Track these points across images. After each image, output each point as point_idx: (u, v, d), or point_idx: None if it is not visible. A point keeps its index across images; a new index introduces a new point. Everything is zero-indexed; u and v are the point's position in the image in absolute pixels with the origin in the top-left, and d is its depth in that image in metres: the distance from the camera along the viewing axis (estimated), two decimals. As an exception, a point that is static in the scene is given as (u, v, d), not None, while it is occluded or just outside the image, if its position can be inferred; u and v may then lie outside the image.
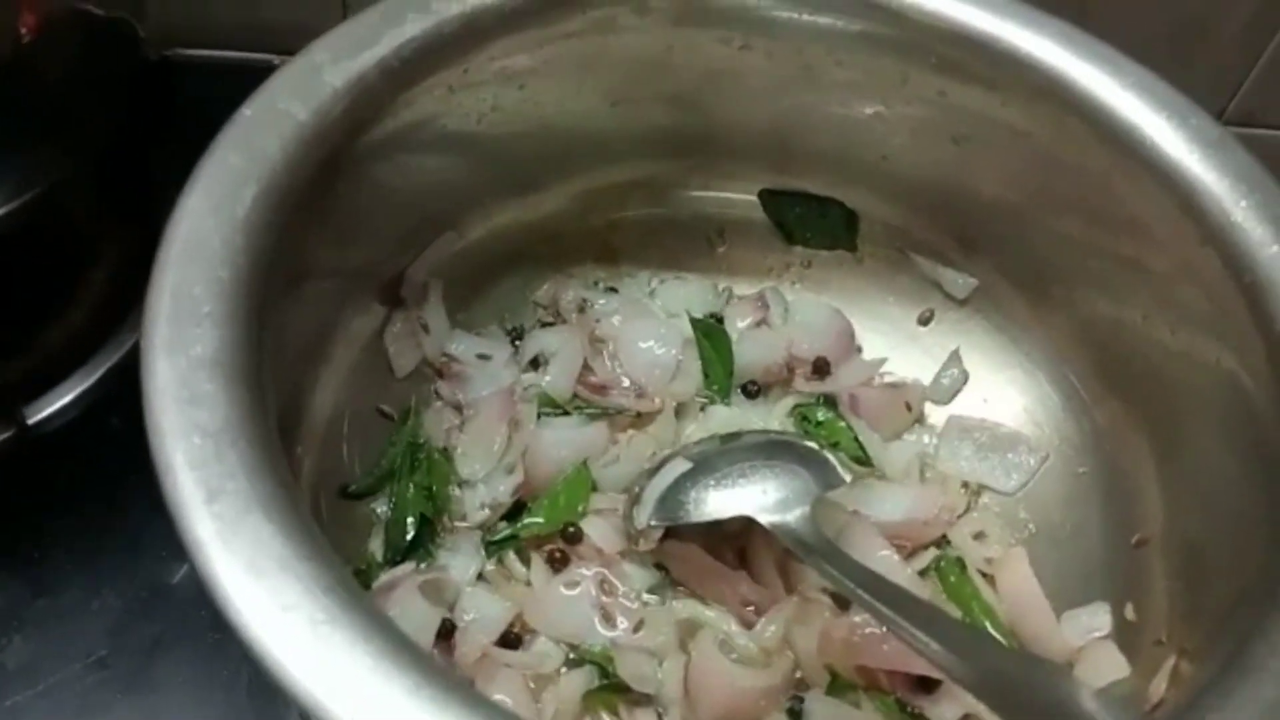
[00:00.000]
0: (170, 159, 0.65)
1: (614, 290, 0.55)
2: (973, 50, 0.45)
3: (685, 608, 0.46)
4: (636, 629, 0.44)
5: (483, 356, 0.51)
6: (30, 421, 0.56)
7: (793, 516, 0.44)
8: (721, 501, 0.45)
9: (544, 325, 0.54)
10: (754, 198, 0.55)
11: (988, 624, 0.47)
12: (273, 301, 0.36)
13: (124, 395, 0.58)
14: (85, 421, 0.57)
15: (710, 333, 0.53)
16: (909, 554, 0.49)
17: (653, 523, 0.45)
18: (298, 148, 0.38)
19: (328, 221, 0.42)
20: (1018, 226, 0.50)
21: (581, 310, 0.53)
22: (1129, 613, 0.45)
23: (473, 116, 0.47)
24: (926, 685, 0.45)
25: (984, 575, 0.49)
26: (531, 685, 0.44)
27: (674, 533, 0.47)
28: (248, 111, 0.38)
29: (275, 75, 0.39)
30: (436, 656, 0.43)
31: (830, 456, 0.47)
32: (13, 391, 0.57)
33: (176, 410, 0.31)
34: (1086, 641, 0.45)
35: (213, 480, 0.30)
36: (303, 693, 0.27)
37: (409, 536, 0.46)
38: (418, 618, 0.42)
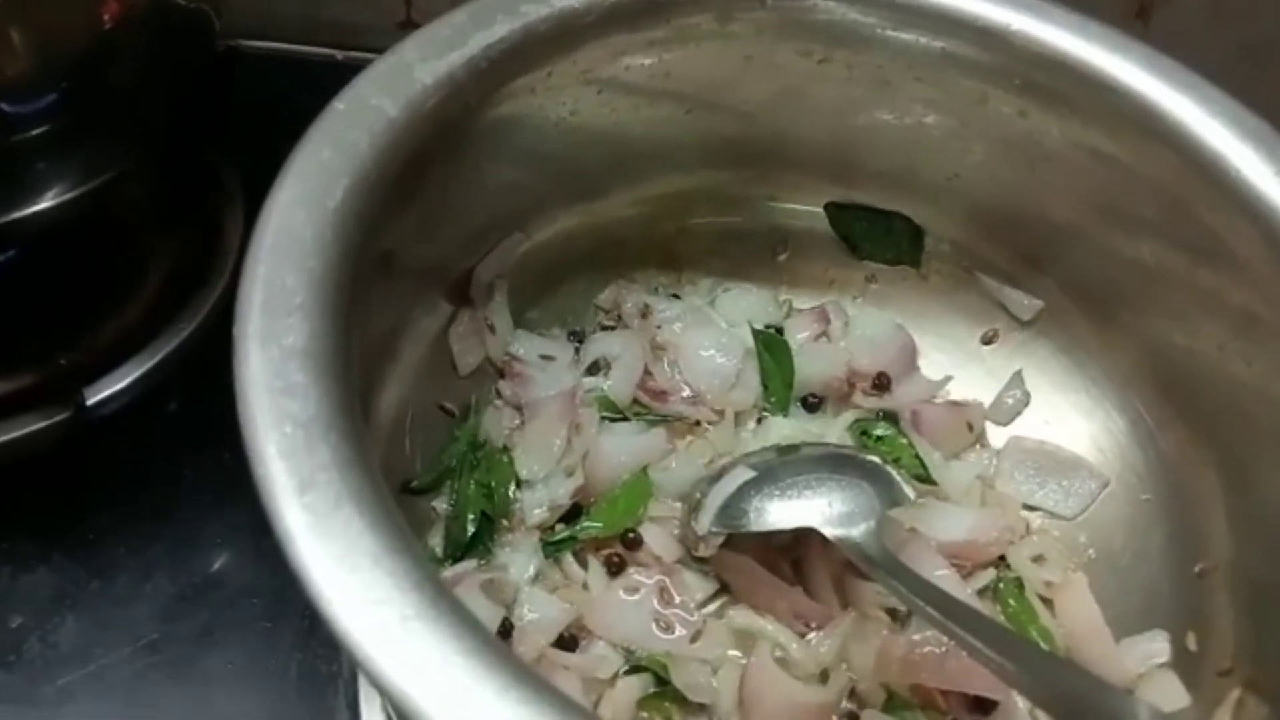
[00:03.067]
0: (229, 150, 0.67)
1: (676, 297, 0.55)
2: (1057, 72, 0.44)
3: (742, 618, 0.45)
4: (694, 639, 0.44)
5: (545, 357, 0.52)
6: (89, 403, 0.57)
7: (858, 531, 0.44)
8: (785, 512, 0.45)
9: (605, 329, 0.54)
10: (819, 209, 0.55)
11: (1045, 646, 0.47)
12: (359, 295, 0.36)
13: (180, 382, 0.59)
14: (142, 407, 0.58)
15: (771, 344, 0.53)
16: (967, 574, 0.48)
17: (714, 529, 0.45)
18: (387, 143, 0.38)
19: (409, 218, 0.42)
20: (1088, 249, 0.49)
21: (644, 315, 0.54)
22: (1190, 643, 0.44)
23: (551, 120, 0.47)
24: (983, 707, 0.44)
25: (1042, 599, 0.48)
26: (586, 688, 0.44)
27: (729, 543, 0.47)
28: (340, 105, 0.38)
29: (366, 71, 0.40)
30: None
31: (894, 473, 0.47)
32: (74, 373, 0.57)
33: (269, 400, 0.31)
34: (1146, 669, 0.45)
35: (304, 471, 0.30)
36: (392, 687, 0.27)
37: (469, 534, 0.46)
38: (480, 614, 0.42)
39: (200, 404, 0.59)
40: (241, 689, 0.50)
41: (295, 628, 0.51)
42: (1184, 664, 0.44)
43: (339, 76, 0.40)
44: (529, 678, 0.28)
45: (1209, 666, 0.43)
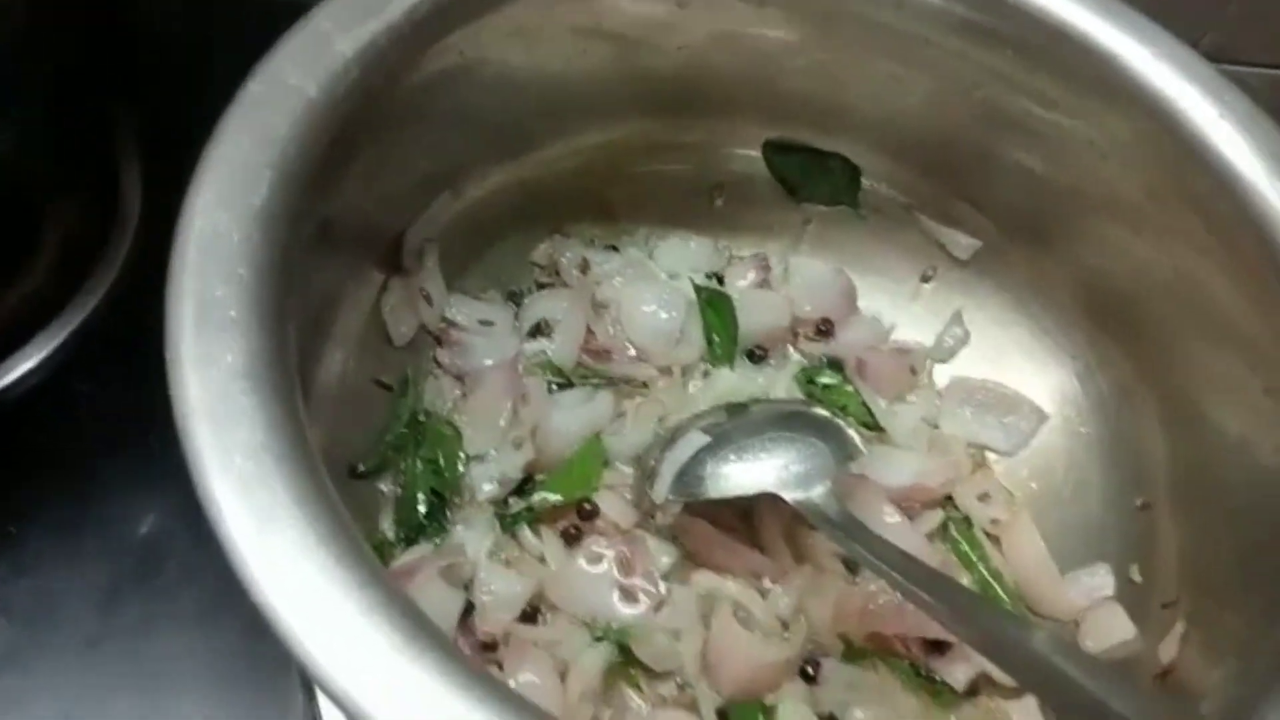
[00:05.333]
0: (122, 96, 0.62)
1: (614, 249, 0.54)
2: (1001, 14, 0.43)
3: (705, 581, 0.45)
4: (657, 609, 0.44)
5: (484, 322, 0.50)
6: (-5, 387, 0.53)
7: (816, 493, 0.44)
8: (743, 476, 0.45)
9: (542, 287, 0.53)
10: (754, 153, 0.54)
11: (997, 586, 0.48)
12: (294, 286, 0.34)
13: (91, 359, 0.56)
14: (52, 388, 0.55)
15: (714, 300, 0.52)
16: (916, 516, 0.49)
17: (671, 498, 0.45)
18: (311, 125, 0.36)
19: (335, 197, 0.39)
20: (1028, 188, 0.49)
21: (583, 271, 0.52)
22: (1135, 574, 0.46)
23: (478, 77, 0.44)
24: (939, 648, 0.46)
25: (989, 536, 0.49)
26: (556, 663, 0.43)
27: (683, 507, 0.46)
28: (255, 88, 0.35)
29: (279, 47, 0.36)
30: (459, 638, 0.43)
31: (845, 427, 0.47)
32: (-31, 356, 0.54)
33: (214, 431, 0.29)
34: (1091, 602, 0.47)
35: (262, 510, 0.28)
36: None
37: (422, 513, 0.45)
38: (441, 603, 0.42)
39: (115, 380, 0.55)
40: (190, 678, 0.48)
41: (240, 609, 0.49)
42: (1129, 596, 0.46)
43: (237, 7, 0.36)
44: (520, 707, 0.27)
45: (1154, 598, 0.44)
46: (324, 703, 0.47)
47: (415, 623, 0.28)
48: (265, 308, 0.32)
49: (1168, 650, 0.42)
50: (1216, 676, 0.39)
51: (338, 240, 0.43)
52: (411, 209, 0.48)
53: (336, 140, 0.37)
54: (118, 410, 0.54)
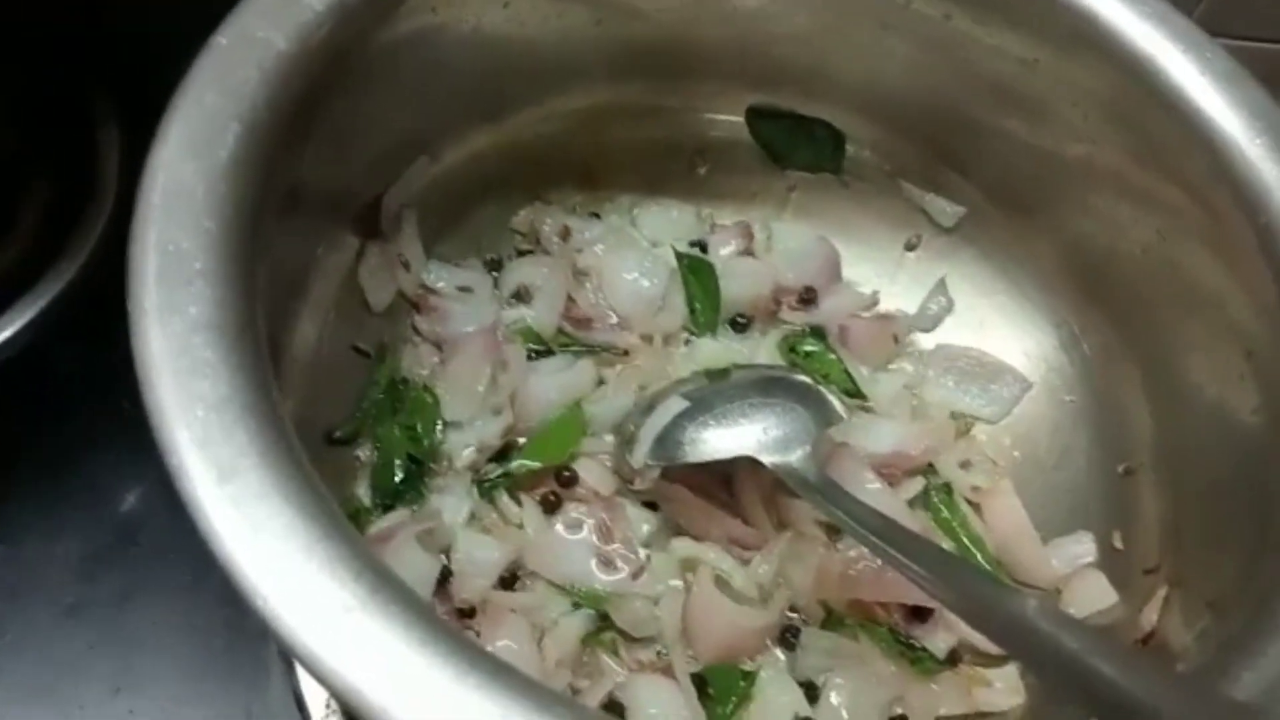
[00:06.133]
0: (98, 66, 0.62)
1: (595, 216, 0.53)
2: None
3: (684, 547, 0.45)
4: (636, 576, 0.44)
5: (463, 289, 0.49)
6: (-30, 357, 0.53)
7: (795, 457, 0.43)
8: (722, 441, 0.44)
9: (522, 254, 0.52)
10: (737, 119, 0.53)
11: (977, 554, 0.48)
12: (261, 246, 0.34)
13: (69, 327, 0.56)
14: (31, 357, 0.54)
15: (696, 267, 0.52)
16: (897, 483, 0.49)
17: (650, 462, 0.45)
18: (278, 79, 0.35)
19: (306, 154, 0.39)
20: (1012, 154, 0.49)
21: (564, 238, 0.52)
22: (1117, 541, 0.46)
23: (453, 37, 0.44)
24: (920, 615, 0.45)
25: (970, 504, 0.49)
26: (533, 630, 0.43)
27: (663, 473, 0.46)
28: (222, 40, 0.35)
29: (248, 1, 0.36)
30: (436, 604, 0.42)
31: (826, 393, 0.46)
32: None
33: (176, 382, 0.29)
34: (1073, 569, 0.46)
35: (223, 459, 0.28)
36: (341, 683, 0.26)
37: (398, 480, 0.45)
38: (418, 568, 0.41)
39: (93, 349, 0.54)
40: (168, 648, 0.48)
41: (219, 580, 0.49)
42: (1111, 563, 0.45)
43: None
44: (484, 660, 0.27)
45: (1136, 565, 0.44)
46: (302, 673, 0.47)
47: (379, 577, 0.28)
48: (231, 262, 0.32)
49: (1149, 616, 0.42)
50: (1194, 639, 0.39)
51: (312, 202, 0.42)
52: (388, 173, 0.47)
53: (306, 96, 0.36)
54: (96, 381, 0.54)
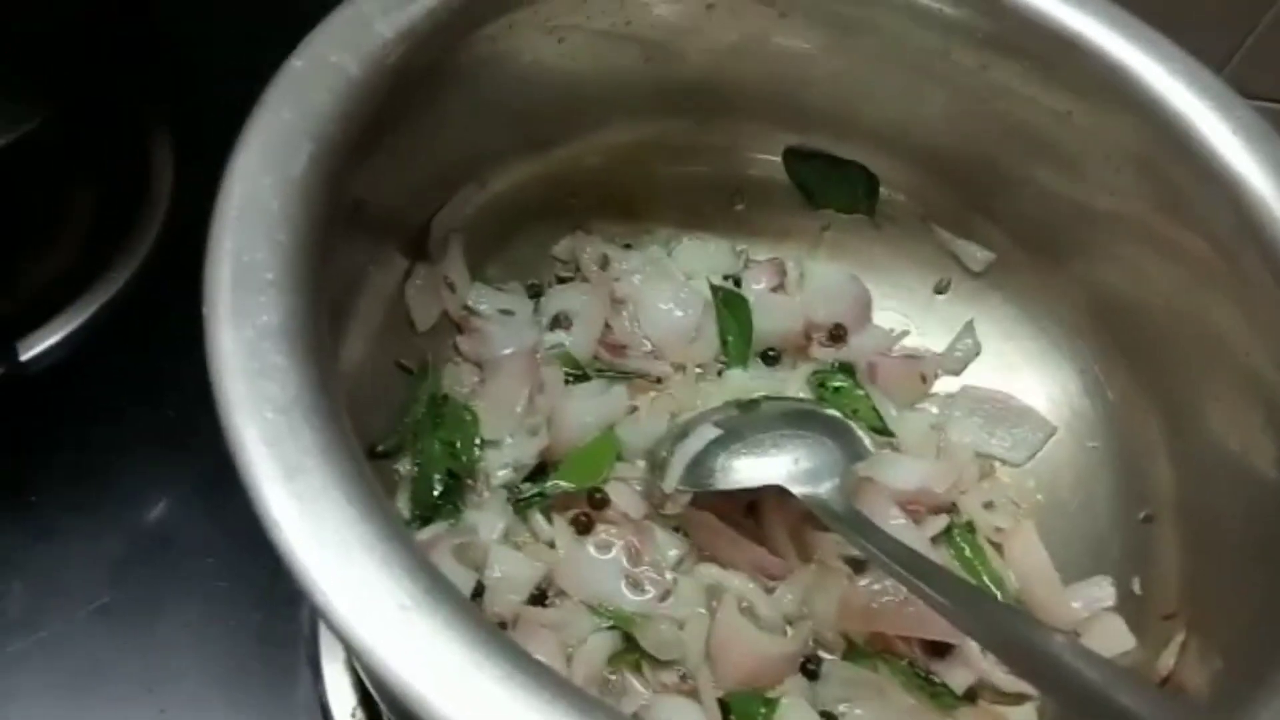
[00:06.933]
0: (153, 86, 0.64)
1: (633, 247, 0.55)
2: (1019, 27, 0.44)
3: (710, 573, 0.46)
4: (663, 598, 0.45)
5: (504, 312, 0.51)
6: (23, 358, 0.55)
7: (824, 489, 0.44)
8: (752, 470, 0.46)
9: (562, 281, 0.54)
10: (775, 158, 0.55)
11: (998, 593, 0.48)
12: (326, 261, 0.35)
13: (117, 334, 0.57)
14: (78, 361, 0.56)
15: (730, 301, 0.53)
16: (920, 521, 0.50)
17: (681, 488, 0.46)
18: (350, 102, 0.37)
19: (369, 175, 0.40)
20: (1041, 201, 0.50)
21: (603, 267, 0.53)
22: (1136, 586, 0.46)
23: (511, 70, 0.45)
24: (940, 650, 0.46)
25: (993, 544, 0.50)
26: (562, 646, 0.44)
27: (691, 500, 0.47)
28: (298, 64, 0.36)
29: (322, 26, 0.38)
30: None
31: (855, 427, 0.48)
32: (3, 326, 0.55)
33: (247, 384, 0.30)
34: (1092, 613, 0.47)
35: (289, 458, 0.29)
36: (394, 677, 0.27)
37: (436, 494, 0.46)
38: (454, 581, 0.42)
39: (139, 356, 0.57)
40: (198, 650, 0.49)
41: (251, 585, 0.50)
42: (1129, 608, 0.46)
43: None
44: (529, 664, 0.28)
45: (1154, 610, 0.45)
46: (329, 681, 0.48)
47: (431, 578, 0.29)
48: (301, 274, 0.33)
49: (1166, 661, 0.42)
50: (1212, 685, 0.40)
51: (368, 222, 0.44)
52: (438, 197, 0.49)
53: (373, 120, 0.38)
54: (141, 387, 0.55)
